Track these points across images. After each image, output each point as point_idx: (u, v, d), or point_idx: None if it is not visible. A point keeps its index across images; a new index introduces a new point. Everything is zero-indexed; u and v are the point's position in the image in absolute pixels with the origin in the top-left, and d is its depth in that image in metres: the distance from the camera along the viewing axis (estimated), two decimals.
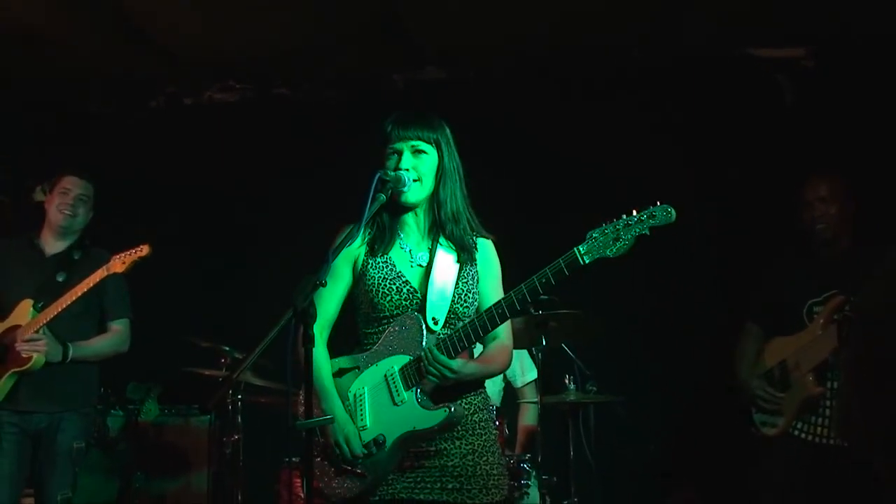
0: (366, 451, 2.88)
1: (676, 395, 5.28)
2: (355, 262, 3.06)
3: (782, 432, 4.15)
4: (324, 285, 2.63)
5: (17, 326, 4.41)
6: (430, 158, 3.01)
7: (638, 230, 2.70)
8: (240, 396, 4.49)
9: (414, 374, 2.88)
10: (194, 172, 5.90)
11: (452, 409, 2.83)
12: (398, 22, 5.15)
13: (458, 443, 2.92)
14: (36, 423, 4.43)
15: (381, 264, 3.01)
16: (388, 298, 2.98)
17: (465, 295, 3.00)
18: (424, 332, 2.90)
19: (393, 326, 2.96)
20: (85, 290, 4.30)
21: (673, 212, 2.70)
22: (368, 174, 2.90)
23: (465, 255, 3.04)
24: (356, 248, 3.03)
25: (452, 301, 2.97)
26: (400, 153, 2.98)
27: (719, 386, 4.82)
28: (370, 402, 2.94)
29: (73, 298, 4.32)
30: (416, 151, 2.99)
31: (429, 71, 5.78)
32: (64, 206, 4.62)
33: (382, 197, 2.93)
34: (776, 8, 4.85)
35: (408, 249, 3.05)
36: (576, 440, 4.70)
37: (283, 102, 6.02)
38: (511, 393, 5.22)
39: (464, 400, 2.96)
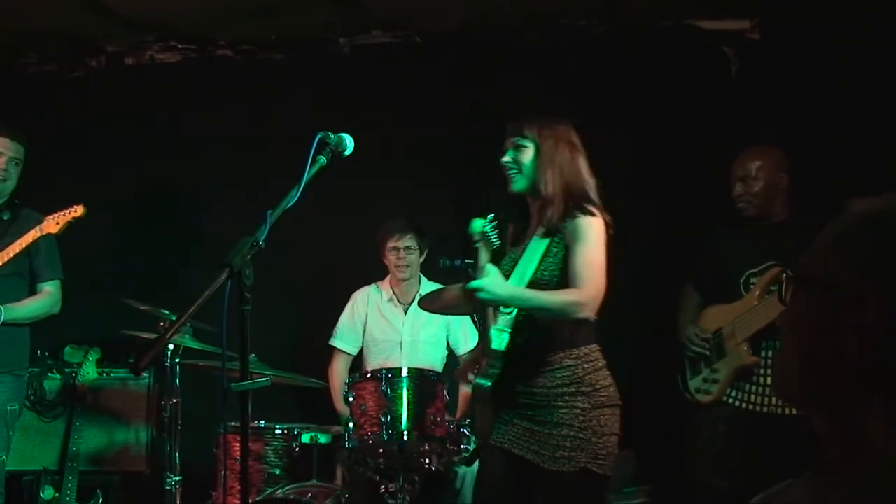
0: None
1: (616, 363, 5.33)
2: None
3: (716, 400, 4.22)
4: (261, 246, 2.61)
5: None
6: (528, 151, 3.35)
7: None
8: (178, 360, 4.45)
9: None
10: (135, 133, 5.80)
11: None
12: None
13: (542, 411, 3.24)
14: None
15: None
16: None
17: (543, 273, 3.28)
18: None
19: None
20: (17, 251, 4.23)
21: None
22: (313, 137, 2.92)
23: (552, 236, 3.31)
24: None
25: (530, 283, 3.27)
26: (506, 148, 3.40)
27: (658, 354, 4.89)
28: None
29: (5, 260, 4.25)
30: (517, 146, 3.36)
31: (374, 35, 5.73)
32: None
33: (323, 159, 2.92)
34: None
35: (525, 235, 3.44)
36: None
37: (227, 63, 5.92)
38: (454, 360, 5.24)
39: (550, 372, 3.25)
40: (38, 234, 4.27)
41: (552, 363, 3.26)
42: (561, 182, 3.32)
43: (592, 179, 3.40)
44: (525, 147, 3.36)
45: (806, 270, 1.28)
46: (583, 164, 3.39)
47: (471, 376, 3.48)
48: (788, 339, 1.30)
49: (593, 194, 3.36)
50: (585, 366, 3.27)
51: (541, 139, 3.35)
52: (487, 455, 3.41)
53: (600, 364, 3.32)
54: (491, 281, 3.17)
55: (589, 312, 3.23)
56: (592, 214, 3.27)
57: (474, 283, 3.16)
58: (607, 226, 3.31)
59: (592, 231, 3.26)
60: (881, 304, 1.17)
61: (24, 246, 4.26)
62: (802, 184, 4.37)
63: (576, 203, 3.30)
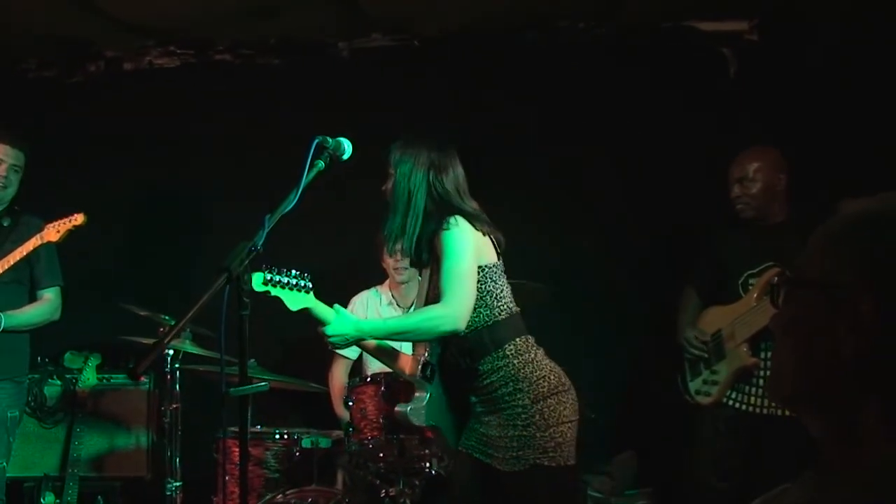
0: None
1: (617, 364, 5.33)
2: None
3: (716, 402, 4.22)
4: (260, 251, 2.61)
5: None
6: (392, 180, 3.35)
7: None
8: (177, 365, 4.45)
9: None
10: (134, 138, 5.79)
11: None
12: None
13: (493, 416, 3.24)
14: None
15: None
16: None
17: (434, 293, 3.26)
18: None
19: None
20: (18, 258, 4.24)
21: None
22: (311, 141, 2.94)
23: (427, 263, 3.35)
24: None
25: (426, 303, 3.32)
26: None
27: (658, 355, 4.88)
28: None
29: (6, 267, 4.25)
30: (388, 175, 3.36)
31: (373, 38, 5.73)
32: None
33: (321, 164, 2.93)
34: None
35: None
36: None
37: (226, 68, 5.92)
38: None
39: (485, 379, 3.23)
40: (39, 242, 4.28)
41: (486, 371, 3.23)
42: (405, 211, 3.31)
43: (458, 196, 3.34)
44: (391, 175, 3.36)
45: (801, 272, 1.28)
46: (437, 183, 3.32)
47: (398, 407, 3.48)
48: (783, 341, 1.29)
49: (456, 204, 3.30)
50: (516, 362, 3.22)
51: (398, 168, 3.34)
52: (457, 461, 3.44)
53: (532, 355, 3.25)
54: (334, 324, 3.20)
55: (457, 324, 3.15)
56: (446, 229, 3.22)
57: (322, 331, 3.21)
58: (483, 232, 3.27)
59: (450, 243, 3.20)
60: (877, 304, 1.16)
61: (24, 254, 4.26)
62: (802, 184, 4.37)
63: (433, 223, 3.27)
